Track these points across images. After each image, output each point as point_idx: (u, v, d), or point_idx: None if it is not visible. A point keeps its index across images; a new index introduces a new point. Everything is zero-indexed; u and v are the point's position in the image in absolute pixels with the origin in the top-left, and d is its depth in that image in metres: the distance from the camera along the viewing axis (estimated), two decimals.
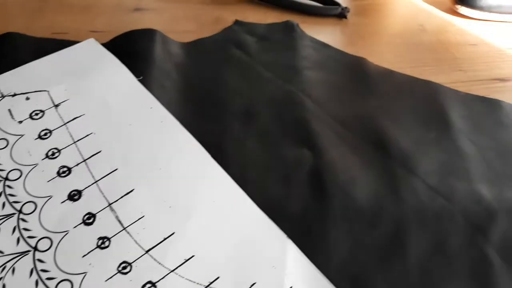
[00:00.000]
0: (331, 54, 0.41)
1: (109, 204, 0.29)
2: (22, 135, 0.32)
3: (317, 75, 0.39)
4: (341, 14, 0.46)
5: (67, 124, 0.32)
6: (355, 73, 0.39)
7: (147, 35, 0.39)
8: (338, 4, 0.46)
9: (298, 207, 0.29)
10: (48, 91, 0.34)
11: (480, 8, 0.47)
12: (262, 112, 0.35)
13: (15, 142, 0.31)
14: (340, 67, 0.40)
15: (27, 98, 0.34)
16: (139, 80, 0.35)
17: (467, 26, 0.47)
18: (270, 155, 0.32)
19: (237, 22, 0.44)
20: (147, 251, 0.27)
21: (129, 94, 0.34)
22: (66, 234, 0.27)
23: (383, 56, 0.42)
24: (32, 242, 0.27)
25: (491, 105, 0.38)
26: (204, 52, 0.40)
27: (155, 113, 0.33)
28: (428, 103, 0.37)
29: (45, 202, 0.28)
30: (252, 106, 0.35)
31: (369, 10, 0.48)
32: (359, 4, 0.49)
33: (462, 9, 0.47)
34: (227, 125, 0.34)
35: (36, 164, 0.30)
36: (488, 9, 0.47)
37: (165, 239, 0.27)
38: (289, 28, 0.43)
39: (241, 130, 0.34)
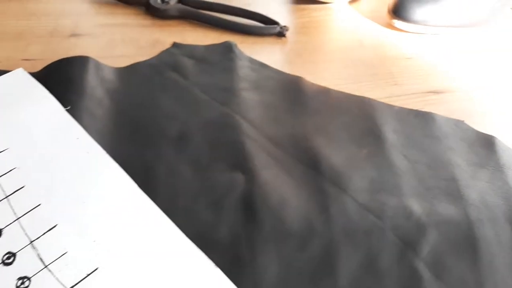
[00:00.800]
0: (268, 74, 0.41)
1: (31, 242, 0.28)
2: None
3: (254, 96, 0.39)
4: (280, 33, 0.46)
5: None
6: (292, 92, 0.40)
7: (79, 62, 0.38)
8: (277, 23, 0.47)
9: (227, 233, 0.29)
10: None
11: (415, 22, 0.48)
12: (196, 136, 0.35)
13: None
14: (277, 87, 0.40)
15: None
16: (67, 110, 0.34)
17: (403, 40, 0.48)
18: (202, 180, 0.32)
19: (175, 45, 0.44)
20: None
21: (55, 125, 0.33)
22: None
23: (321, 73, 0.43)
24: None
25: (424, 119, 0.38)
26: (139, 77, 0.40)
27: (81, 143, 0.32)
28: (362, 119, 0.38)
29: None
30: (186, 130, 0.35)
31: (309, 27, 0.49)
32: (300, 22, 0.50)
33: (398, 23, 0.48)
34: (159, 151, 0.33)
35: None
36: (423, 22, 0.48)
37: (88, 275, 0.27)
38: (227, 49, 0.43)
39: (174, 156, 0.33)
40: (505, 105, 0.41)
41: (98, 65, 0.39)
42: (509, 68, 0.46)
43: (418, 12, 0.47)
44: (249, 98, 0.39)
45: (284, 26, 0.47)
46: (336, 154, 0.34)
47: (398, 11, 0.48)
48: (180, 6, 0.48)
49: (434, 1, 0.47)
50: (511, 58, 0.47)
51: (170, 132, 0.35)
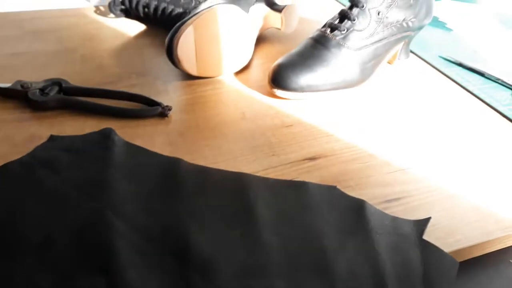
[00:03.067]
0: (145, 160, 0.41)
1: None
2: None
3: (129, 185, 0.38)
4: (162, 114, 0.47)
5: None
6: (168, 177, 0.39)
7: None
8: (158, 104, 0.47)
9: None
10: None
11: (294, 90, 0.50)
12: (61, 241, 0.33)
13: None
14: (153, 173, 0.40)
15: None
16: None
17: (284, 108, 0.50)
18: None
19: (51, 138, 0.43)
20: None
21: None
22: None
23: (202, 152, 0.43)
24: None
25: (297, 189, 0.39)
26: (7, 179, 0.38)
27: None
28: (236, 198, 0.38)
29: None
30: (51, 235, 0.33)
31: (193, 104, 0.50)
32: (184, 99, 0.51)
33: (279, 92, 0.51)
34: (20, 260, 0.32)
35: None
36: (301, 89, 0.50)
37: None
38: (105, 137, 0.43)
39: (34, 265, 0.31)
40: (378, 164, 0.43)
41: None
42: (382, 126, 0.48)
43: (295, 81, 0.50)
44: (123, 189, 0.38)
45: (167, 106, 0.47)
46: (207, 240, 0.34)
47: (276, 81, 0.50)
48: (60, 96, 0.48)
49: (309, 69, 0.50)
50: (383, 116, 0.50)
51: (33, 239, 0.33)
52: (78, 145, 0.42)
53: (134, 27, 0.68)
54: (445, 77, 0.59)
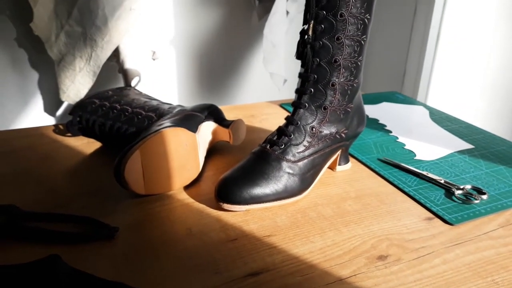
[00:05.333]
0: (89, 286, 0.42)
1: None
2: None
3: None
4: (109, 235, 0.48)
5: None
6: None
7: None
8: (105, 226, 0.49)
9: None
10: None
11: (238, 203, 0.53)
12: None
13: None
14: None
15: None
16: None
17: (231, 220, 0.52)
18: None
19: None
20: None
21: None
22: None
23: (144, 274, 0.44)
24: None
25: None
26: None
27: None
28: None
29: None
30: None
31: (141, 223, 0.52)
32: (132, 219, 0.52)
33: (225, 205, 0.53)
34: None
35: None
36: (245, 202, 0.53)
37: None
38: (50, 264, 0.43)
39: None
40: (318, 275, 0.45)
41: None
42: (322, 234, 0.51)
43: (239, 194, 0.53)
44: None
45: (114, 227, 0.49)
46: None
47: (222, 195, 0.53)
48: (6, 224, 0.49)
49: (253, 182, 0.53)
50: (323, 222, 0.53)
51: None
52: (21, 275, 0.42)
53: (90, 146, 0.71)
54: (382, 179, 0.64)
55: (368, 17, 0.55)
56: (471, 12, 1.05)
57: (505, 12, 0.97)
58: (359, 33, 0.55)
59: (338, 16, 0.53)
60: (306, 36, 0.56)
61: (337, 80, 0.57)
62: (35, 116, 1.08)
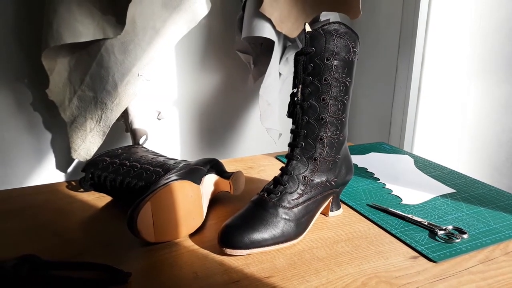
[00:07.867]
0: None
1: None
2: None
3: None
4: (122, 281, 0.53)
5: None
6: None
7: None
8: (119, 272, 0.54)
9: None
10: None
11: (240, 247, 0.58)
12: None
13: None
14: None
15: None
16: None
17: (233, 264, 0.57)
18: None
19: None
20: None
21: None
22: None
23: None
24: None
25: None
26: None
27: None
28: None
29: None
30: None
31: (151, 268, 0.57)
32: (143, 265, 0.57)
33: (227, 250, 0.58)
34: None
35: None
36: (246, 247, 0.58)
37: None
38: None
39: None
40: None
41: None
42: (319, 274, 0.56)
43: (240, 239, 0.58)
44: None
45: (127, 273, 0.54)
46: None
47: (224, 241, 0.58)
48: (30, 272, 0.53)
49: (252, 228, 0.59)
50: (320, 263, 0.58)
51: None
52: None
53: (101, 200, 0.77)
54: (371, 222, 0.69)
55: (349, 80, 0.64)
56: (447, 70, 1.16)
57: (477, 70, 1.08)
58: (342, 94, 0.63)
59: (323, 81, 0.62)
60: (295, 98, 0.64)
61: (324, 134, 0.64)
62: (48, 173, 1.15)
